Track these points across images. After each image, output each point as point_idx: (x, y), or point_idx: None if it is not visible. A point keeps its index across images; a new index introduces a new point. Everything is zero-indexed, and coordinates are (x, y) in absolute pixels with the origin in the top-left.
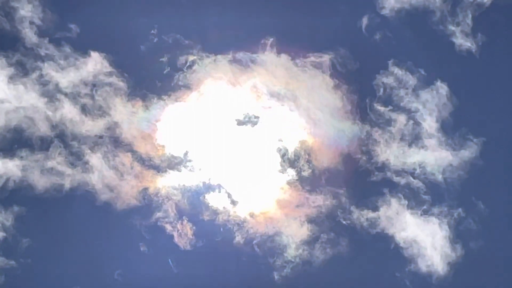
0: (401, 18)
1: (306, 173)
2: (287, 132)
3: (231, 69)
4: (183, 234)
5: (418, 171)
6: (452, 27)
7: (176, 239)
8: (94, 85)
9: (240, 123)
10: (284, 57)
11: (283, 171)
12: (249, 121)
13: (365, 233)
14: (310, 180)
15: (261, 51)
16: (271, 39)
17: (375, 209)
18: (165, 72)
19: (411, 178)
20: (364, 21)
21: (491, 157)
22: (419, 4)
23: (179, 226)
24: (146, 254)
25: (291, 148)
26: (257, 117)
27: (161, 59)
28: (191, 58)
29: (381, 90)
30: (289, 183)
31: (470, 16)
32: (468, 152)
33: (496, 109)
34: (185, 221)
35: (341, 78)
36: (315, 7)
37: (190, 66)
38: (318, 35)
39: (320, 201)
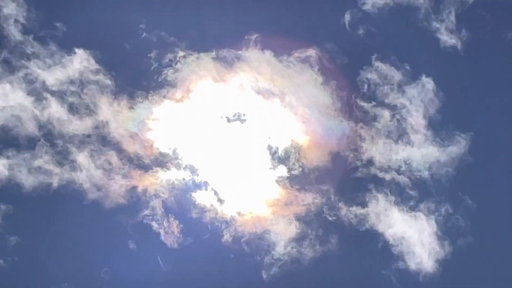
0: (383, 15)
1: (296, 171)
2: (276, 129)
3: (215, 67)
4: (170, 232)
5: (403, 168)
6: (436, 24)
7: (163, 237)
8: (81, 83)
9: (228, 121)
10: (268, 53)
11: (273, 169)
12: (237, 118)
13: (353, 229)
14: (299, 178)
15: (245, 47)
16: (255, 35)
17: (364, 205)
18: (151, 69)
19: (398, 175)
20: (347, 17)
21: (479, 152)
22: (402, 1)
23: (166, 224)
24: (133, 252)
25: (280, 145)
26: (244, 115)
27: (149, 55)
28: (178, 55)
29: (365, 86)
30: (277, 181)
31: (453, 13)
32: (456, 148)
33: (484, 105)
34: (172, 219)
35: (327, 74)
36: (297, 2)
37: (177, 64)
38: (300, 31)
39: (309, 199)
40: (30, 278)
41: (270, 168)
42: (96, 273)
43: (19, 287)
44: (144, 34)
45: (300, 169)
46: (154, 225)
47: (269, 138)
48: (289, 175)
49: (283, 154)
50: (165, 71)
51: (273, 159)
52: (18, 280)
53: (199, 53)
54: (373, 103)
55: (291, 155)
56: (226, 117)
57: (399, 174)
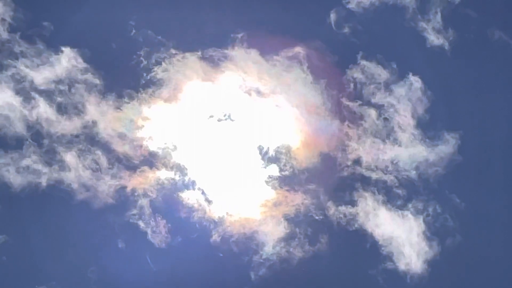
0: (369, 13)
1: (287, 172)
2: (264, 128)
3: (202, 66)
4: (158, 232)
5: (390, 167)
6: (423, 24)
7: (150, 237)
8: (69, 82)
9: (218, 120)
10: (254, 52)
11: (264, 167)
12: (226, 118)
13: (341, 229)
14: (289, 178)
15: (231, 46)
16: (241, 34)
17: (353, 204)
18: (139, 69)
19: (385, 174)
20: (332, 16)
21: (467, 151)
22: (388, 0)
23: (153, 223)
24: (120, 251)
25: (270, 145)
26: (233, 114)
27: (138, 52)
28: (165, 54)
29: (352, 85)
30: (267, 181)
31: (440, 13)
32: (444, 147)
33: (472, 103)
34: (160, 218)
35: (313, 73)
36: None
37: (164, 63)
38: (285, 29)
39: (299, 199)
40: (18, 276)
41: (261, 167)
42: (84, 272)
43: (7, 285)
44: (134, 31)
45: (290, 169)
46: (142, 224)
47: (258, 138)
48: (279, 175)
49: (273, 154)
50: (154, 71)
51: (263, 159)
52: (6, 279)
53: (184, 53)
54: (359, 102)
55: (282, 156)
56: (216, 117)
57: (385, 173)
